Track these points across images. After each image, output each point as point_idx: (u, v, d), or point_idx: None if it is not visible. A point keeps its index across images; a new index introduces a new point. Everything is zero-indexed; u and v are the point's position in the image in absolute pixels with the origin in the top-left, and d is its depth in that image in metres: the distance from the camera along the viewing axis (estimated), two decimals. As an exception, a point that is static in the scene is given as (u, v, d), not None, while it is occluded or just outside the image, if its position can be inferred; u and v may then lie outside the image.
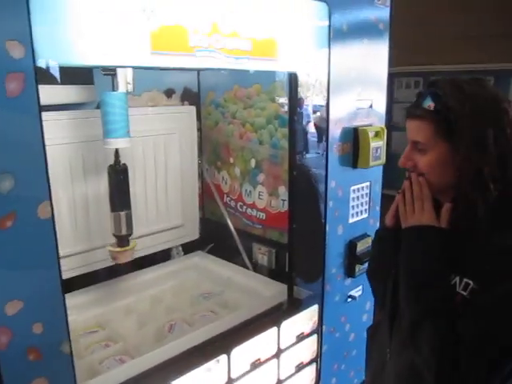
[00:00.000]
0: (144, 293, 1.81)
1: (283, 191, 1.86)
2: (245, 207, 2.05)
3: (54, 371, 0.89)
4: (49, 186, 0.83)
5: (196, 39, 1.01)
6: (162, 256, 2.03)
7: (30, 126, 0.80)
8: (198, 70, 2.06)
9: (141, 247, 1.91)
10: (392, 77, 4.57)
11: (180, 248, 2.11)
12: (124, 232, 1.50)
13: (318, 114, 1.42)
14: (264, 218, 1.97)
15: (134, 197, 1.84)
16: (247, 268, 1.98)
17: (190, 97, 2.06)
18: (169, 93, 1.99)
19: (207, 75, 2.06)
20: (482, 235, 0.94)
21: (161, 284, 1.88)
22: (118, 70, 1.21)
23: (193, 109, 1.99)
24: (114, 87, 1.26)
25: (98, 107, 1.73)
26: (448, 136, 0.96)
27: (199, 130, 2.07)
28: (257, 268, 1.99)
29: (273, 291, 1.70)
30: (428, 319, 0.93)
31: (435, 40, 4.15)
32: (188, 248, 2.11)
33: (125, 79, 1.24)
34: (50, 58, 0.82)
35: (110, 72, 1.22)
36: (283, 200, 1.87)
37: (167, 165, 1.93)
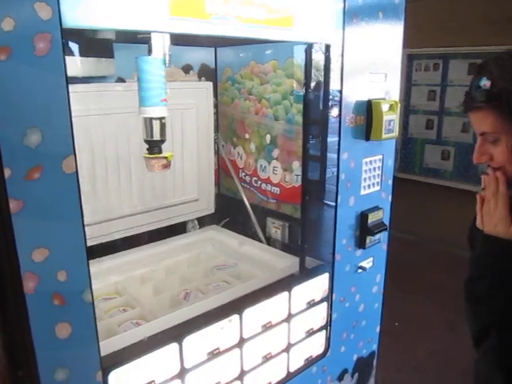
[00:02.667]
0: (160, 263, 1.87)
1: (297, 166, 1.89)
2: (259, 182, 2.09)
3: (76, 317, 0.95)
4: (73, 142, 0.88)
5: (213, 6, 1.04)
6: (178, 229, 2.09)
7: (57, 83, 0.84)
8: (215, 47, 2.10)
9: (157, 219, 1.98)
10: (410, 59, 4.55)
11: (196, 222, 2.17)
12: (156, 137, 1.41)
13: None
14: (278, 192, 2.01)
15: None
16: (261, 242, 2.02)
17: (207, 73, 2.09)
18: (186, 69, 2.03)
19: (224, 52, 2.09)
20: None
21: (176, 256, 1.94)
22: (153, 36, 1.22)
23: (210, 84, 2.02)
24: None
25: (118, 81, 1.80)
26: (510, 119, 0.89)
27: (215, 106, 2.11)
28: (270, 242, 2.04)
29: (285, 263, 1.74)
30: (490, 332, 0.90)
31: (455, 22, 4.10)
32: (203, 222, 2.16)
33: (161, 46, 1.23)
34: (74, 20, 0.87)
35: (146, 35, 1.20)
36: (297, 175, 1.90)
37: (184, 140, 1.98)
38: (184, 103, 1.95)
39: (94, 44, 1.49)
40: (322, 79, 1.48)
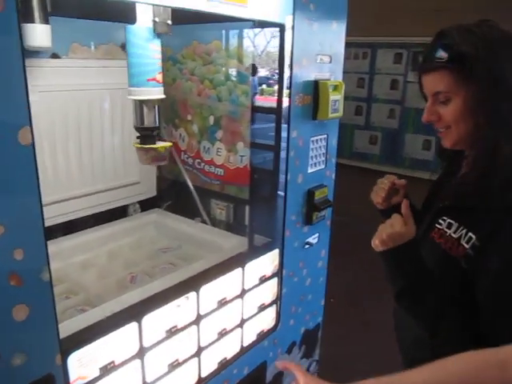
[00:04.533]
0: (101, 248, 1.81)
1: (242, 147, 1.90)
2: (203, 164, 2.08)
3: (34, 298, 0.90)
4: (29, 113, 0.83)
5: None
6: (119, 213, 2.02)
7: (10, 44, 0.78)
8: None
9: (97, 203, 1.91)
10: (374, 48, 4.71)
11: (137, 205, 2.11)
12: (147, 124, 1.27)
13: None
14: (222, 174, 2.01)
15: (91, 152, 1.83)
16: (206, 224, 2.02)
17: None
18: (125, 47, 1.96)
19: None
20: (497, 189, 0.93)
21: (118, 240, 1.89)
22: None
23: (151, 64, 1.96)
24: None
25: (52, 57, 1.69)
26: (467, 81, 0.94)
27: (156, 86, 2.06)
28: (215, 223, 2.04)
29: (232, 243, 1.76)
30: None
31: (383, 12, 4.30)
32: (145, 206, 2.12)
33: (148, 13, 1.13)
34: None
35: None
36: (242, 156, 1.91)
37: (124, 120, 1.91)
38: (123, 82, 1.88)
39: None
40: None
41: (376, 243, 1.04)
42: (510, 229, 0.90)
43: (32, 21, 1.29)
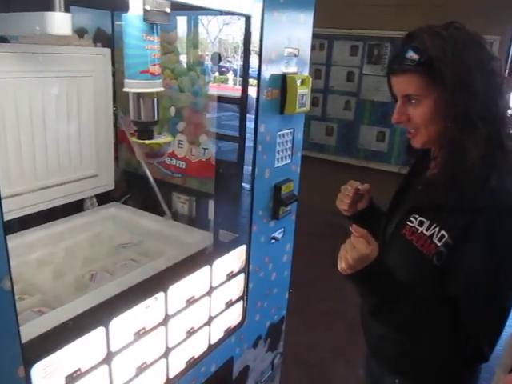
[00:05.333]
0: (57, 245, 1.72)
1: (205, 140, 1.86)
2: (163, 156, 2.02)
3: (-6, 309, 0.83)
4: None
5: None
6: (74, 207, 1.93)
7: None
8: (112, 10, 1.94)
9: (51, 198, 1.81)
10: (331, 39, 4.71)
11: (94, 199, 2.03)
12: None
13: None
14: (184, 167, 1.96)
15: (45, 143, 1.72)
16: (166, 217, 1.97)
17: (104, 39, 1.94)
18: (81, 32, 1.86)
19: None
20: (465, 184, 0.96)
21: (75, 236, 1.80)
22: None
23: (108, 51, 1.87)
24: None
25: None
26: (437, 84, 0.97)
27: (113, 75, 1.96)
28: (177, 217, 1.99)
29: (197, 238, 1.72)
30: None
31: (340, 4, 4.32)
32: (102, 200, 2.03)
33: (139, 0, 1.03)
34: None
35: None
36: (204, 148, 1.87)
37: (80, 110, 1.82)
38: (80, 70, 1.78)
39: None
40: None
41: (343, 268, 1.01)
42: (482, 229, 0.93)
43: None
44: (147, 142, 1.24)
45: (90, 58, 1.82)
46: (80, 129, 1.83)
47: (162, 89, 1.24)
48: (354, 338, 1.34)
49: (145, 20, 1.12)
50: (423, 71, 0.98)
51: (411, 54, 0.98)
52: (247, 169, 1.52)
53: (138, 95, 1.18)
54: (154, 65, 1.14)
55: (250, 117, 1.46)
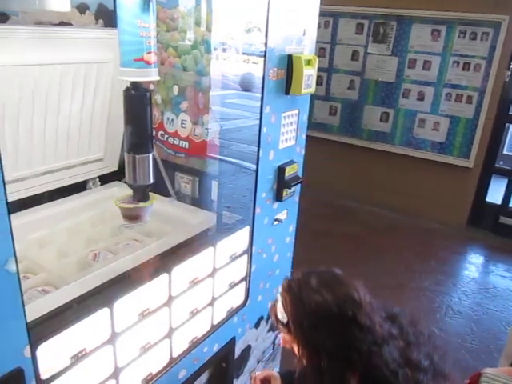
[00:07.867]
0: (60, 225, 1.71)
1: (208, 119, 1.84)
2: (166, 136, 2.00)
3: (0, 291, 0.83)
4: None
5: None
6: (77, 187, 1.92)
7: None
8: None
9: (55, 180, 1.79)
10: (336, 17, 4.61)
11: (96, 179, 2.01)
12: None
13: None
14: (187, 146, 1.95)
15: (56, 128, 1.69)
16: (170, 197, 1.96)
17: (106, 15, 1.89)
18: (82, 8, 1.81)
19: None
20: None
21: (78, 215, 1.79)
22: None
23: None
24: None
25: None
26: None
27: (115, 53, 1.93)
28: (180, 197, 1.99)
29: (200, 218, 1.72)
30: None
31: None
32: (105, 179, 2.02)
33: None
34: None
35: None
36: (207, 129, 1.85)
37: (97, 96, 1.78)
38: (100, 57, 1.71)
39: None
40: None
41: None
42: None
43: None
44: (131, 206, 1.32)
45: (112, 44, 1.77)
46: (93, 114, 1.80)
47: (157, 78, 1.21)
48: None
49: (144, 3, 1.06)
50: (288, 331, 1.18)
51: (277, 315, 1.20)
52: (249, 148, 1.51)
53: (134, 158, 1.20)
54: (149, 52, 1.09)
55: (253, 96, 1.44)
